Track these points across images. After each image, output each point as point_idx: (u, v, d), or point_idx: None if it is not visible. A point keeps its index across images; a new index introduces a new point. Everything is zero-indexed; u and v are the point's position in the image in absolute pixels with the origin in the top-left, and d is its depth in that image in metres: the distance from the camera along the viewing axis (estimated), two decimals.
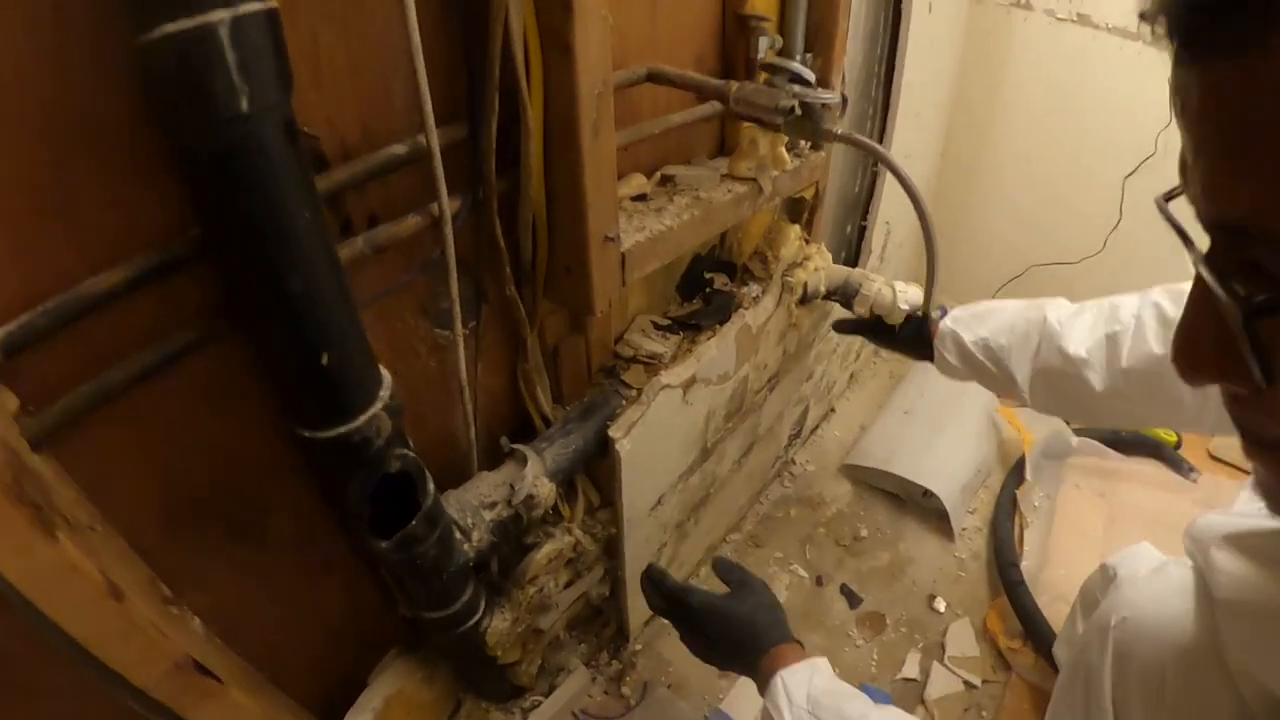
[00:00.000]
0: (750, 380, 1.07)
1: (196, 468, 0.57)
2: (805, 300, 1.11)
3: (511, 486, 0.73)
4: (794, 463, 1.48)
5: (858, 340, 1.61)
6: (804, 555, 1.32)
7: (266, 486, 0.64)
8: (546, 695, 1.01)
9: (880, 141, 1.44)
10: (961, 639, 1.20)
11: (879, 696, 1.12)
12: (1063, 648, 1.02)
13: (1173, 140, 1.57)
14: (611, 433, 0.81)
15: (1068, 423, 1.56)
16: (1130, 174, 1.64)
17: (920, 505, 1.40)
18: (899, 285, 1.09)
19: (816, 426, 1.58)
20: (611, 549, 0.95)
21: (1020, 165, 1.76)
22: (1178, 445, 1.57)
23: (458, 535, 0.70)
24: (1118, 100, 1.59)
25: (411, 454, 0.59)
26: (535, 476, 0.74)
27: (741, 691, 1.12)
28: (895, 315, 1.08)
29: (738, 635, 0.74)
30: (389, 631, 0.86)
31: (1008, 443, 1.55)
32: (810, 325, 1.22)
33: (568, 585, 0.93)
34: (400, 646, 0.86)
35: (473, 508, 0.72)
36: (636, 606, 1.09)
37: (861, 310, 1.09)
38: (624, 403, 0.84)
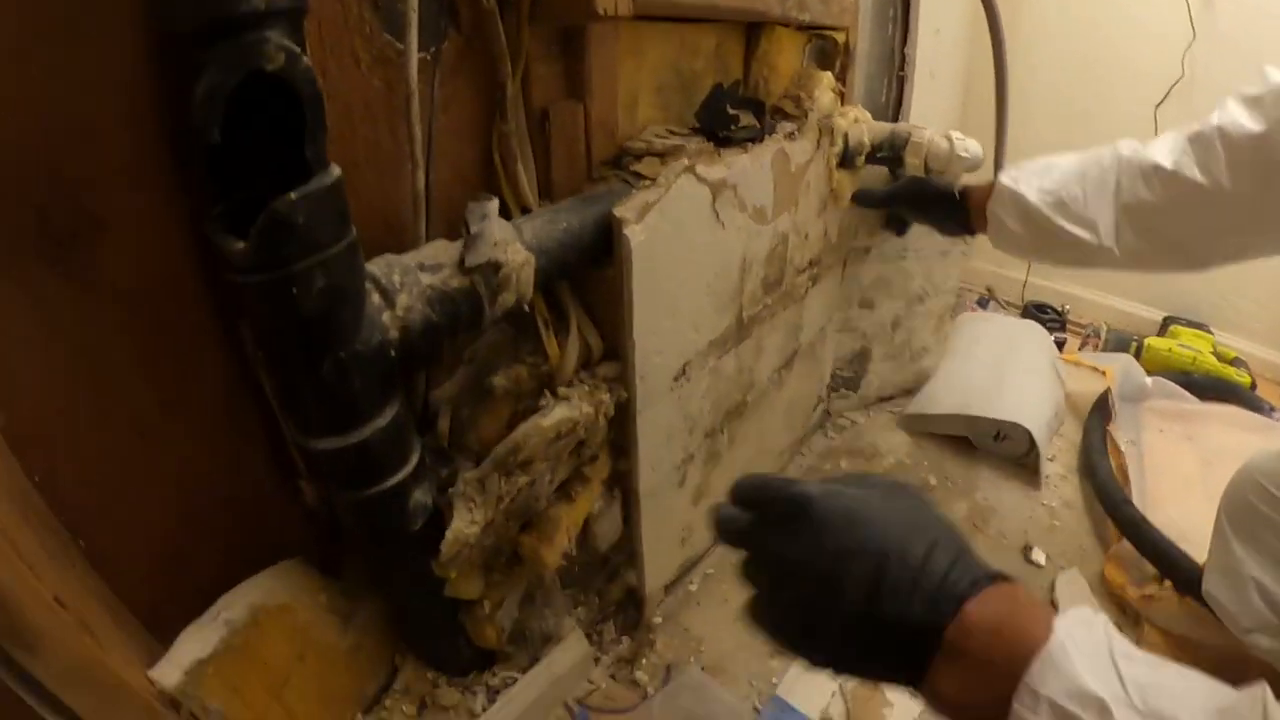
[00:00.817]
0: (791, 245, 0.84)
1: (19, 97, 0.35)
2: (847, 158, 0.90)
3: (467, 236, 0.47)
4: (841, 414, 1.22)
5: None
6: None
7: (109, 182, 0.40)
8: (525, 671, 0.69)
9: (902, 81, 1.29)
10: (1074, 591, 0.92)
11: None
12: (1219, 582, 0.76)
13: (1199, 60, 1.47)
14: (618, 212, 0.56)
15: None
16: (1160, 102, 1.52)
17: (993, 451, 1.14)
18: (955, 134, 0.89)
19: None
20: (620, 439, 0.67)
21: (1047, 105, 1.63)
22: (1253, 386, 1.41)
23: (374, 297, 0.43)
24: (1139, 26, 1.49)
25: (307, 63, 0.35)
26: (505, 240, 0.49)
27: (800, 673, 0.80)
28: (954, 167, 0.88)
29: (899, 553, 0.34)
30: (293, 536, 0.57)
31: (1073, 395, 1.32)
32: (852, 220, 1.00)
33: (562, 486, 0.65)
34: (305, 558, 0.56)
35: (405, 266, 0.46)
36: (656, 557, 0.79)
37: (915, 161, 0.89)
38: (635, 193, 0.60)
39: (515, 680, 0.68)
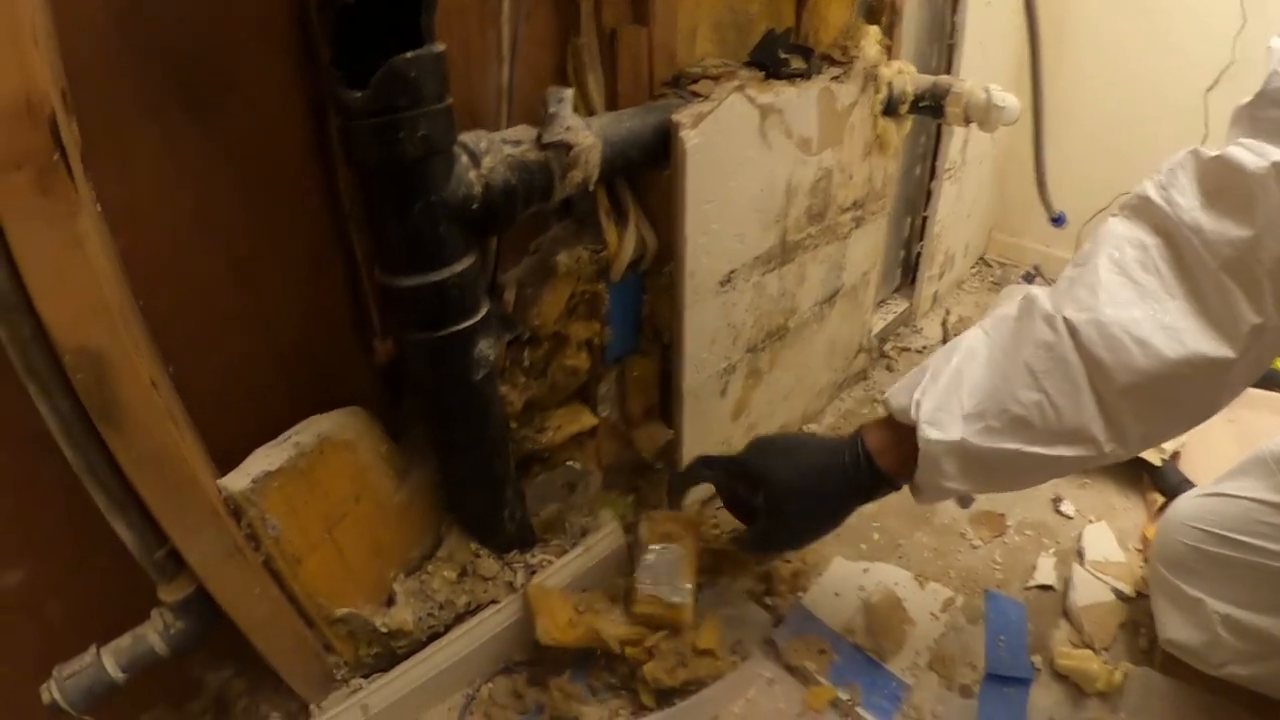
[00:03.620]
0: (835, 182, 0.88)
1: None
2: (892, 107, 0.95)
3: (545, 114, 0.54)
4: (887, 354, 1.27)
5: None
6: None
7: (243, 47, 0.48)
8: (559, 557, 0.75)
9: (951, 49, 1.32)
10: (1102, 543, 0.93)
11: (1012, 607, 0.85)
12: (1183, 628, 0.73)
13: (1250, 45, 1.46)
14: (676, 117, 0.62)
15: None
16: (1211, 87, 1.51)
17: None
18: (994, 87, 0.93)
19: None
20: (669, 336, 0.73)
21: (1093, 92, 1.64)
22: None
23: (463, 158, 0.50)
24: (1188, 8, 1.49)
25: None
26: (576, 126, 0.55)
27: (826, 587, 0.84)
28: (992, 117, 0.91)
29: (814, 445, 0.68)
30: (363, 392, 0.63)
31: None
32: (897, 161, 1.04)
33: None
34: (371, 411, 0.62)
35: (491, 138, 0.52)
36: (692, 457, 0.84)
37: (955, 110, 0.92)
38: (692, 104, 0.66)
39: (551, 563, 0.73)
